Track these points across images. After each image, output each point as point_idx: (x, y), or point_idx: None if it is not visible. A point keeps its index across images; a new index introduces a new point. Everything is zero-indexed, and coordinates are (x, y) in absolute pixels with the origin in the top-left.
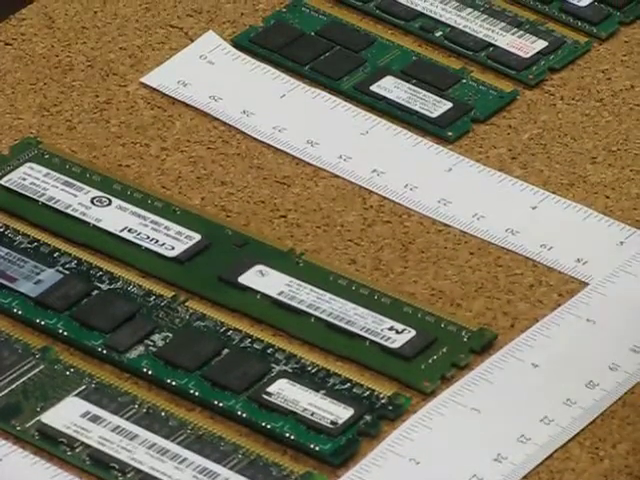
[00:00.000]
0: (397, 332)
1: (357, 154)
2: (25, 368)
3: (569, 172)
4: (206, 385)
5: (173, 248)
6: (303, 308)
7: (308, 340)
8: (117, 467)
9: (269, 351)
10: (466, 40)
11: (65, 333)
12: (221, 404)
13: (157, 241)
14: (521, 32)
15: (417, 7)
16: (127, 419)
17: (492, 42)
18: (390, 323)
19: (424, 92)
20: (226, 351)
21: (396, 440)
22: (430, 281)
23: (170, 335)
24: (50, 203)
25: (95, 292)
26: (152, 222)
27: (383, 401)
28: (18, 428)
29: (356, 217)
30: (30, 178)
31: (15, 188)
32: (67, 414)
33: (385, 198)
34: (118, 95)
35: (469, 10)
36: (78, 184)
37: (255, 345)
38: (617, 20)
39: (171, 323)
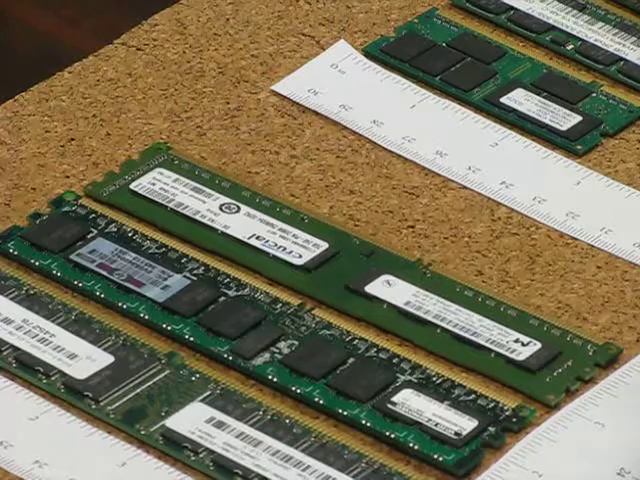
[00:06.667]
0: (523, 344)
1: (486, 166)
2: (151, 373)
3: None
4: (331, 393)
5: (301, 256)
6: (429, 319)
7: (433, 351)
8: (241, 473)
9: (394, 361)
10: (597, 54)
11: (191, 339)
12: (346, 413)
13: (285, 249)
14: None
15: (549, 20)
16: (251, 425)
17: (623, 56)
18: (516, 335)
19: (554, 105)
20: (351, 360)
21: (519, 452)
22: (557, 294)
23: (296, 343)
24: (179, 209)
25: (222, 299)
26: (280, 230)
27: (507, 413)
28: (142, 432)
29: (484, 229)
30: (159, 183)
31: (144, 193)
32: (192, 419)
33: (513, 210)
34: (249, 102)
35: (600, 24)
36: (207, 190)
37: (381, 355)
38: None
39: (297, 331)
